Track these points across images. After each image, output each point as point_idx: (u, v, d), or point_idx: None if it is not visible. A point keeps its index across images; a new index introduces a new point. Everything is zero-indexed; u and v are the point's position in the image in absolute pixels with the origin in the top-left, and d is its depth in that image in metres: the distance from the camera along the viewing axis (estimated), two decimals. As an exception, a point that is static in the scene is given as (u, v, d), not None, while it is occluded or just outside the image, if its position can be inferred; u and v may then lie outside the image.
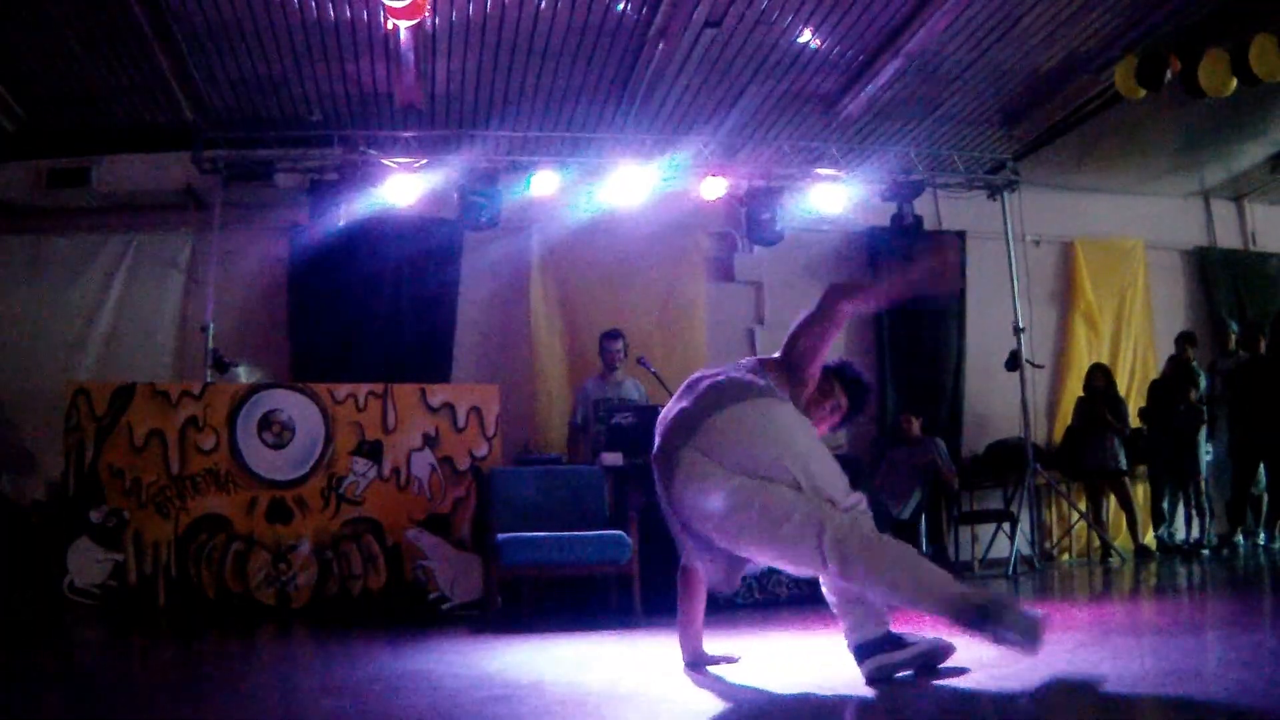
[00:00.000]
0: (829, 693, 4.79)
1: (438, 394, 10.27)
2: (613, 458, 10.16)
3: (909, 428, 13.19)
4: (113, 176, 13.16)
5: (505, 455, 10.76)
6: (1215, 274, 16.20)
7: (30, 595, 10.36)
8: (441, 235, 13.46)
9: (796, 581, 9.69)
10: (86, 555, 9.92)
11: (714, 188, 13.09)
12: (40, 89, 12.01)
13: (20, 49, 11.15)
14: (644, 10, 10.68)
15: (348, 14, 10.61)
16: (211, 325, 12.21)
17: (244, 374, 11.17)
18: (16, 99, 12.16)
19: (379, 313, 13.17)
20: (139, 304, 13.43)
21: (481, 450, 10.07)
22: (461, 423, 10.09)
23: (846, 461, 10.52)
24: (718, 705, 4.74)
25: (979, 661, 4.85)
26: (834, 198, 13.42)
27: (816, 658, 6.17)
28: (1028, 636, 4.40)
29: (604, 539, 8.93)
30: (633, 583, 8.97)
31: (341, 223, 12.85)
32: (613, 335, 11.97)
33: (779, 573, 9.54)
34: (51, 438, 11.02)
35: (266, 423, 10.08)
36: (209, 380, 11.29)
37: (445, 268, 13.50)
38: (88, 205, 13.37)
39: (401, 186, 12.65)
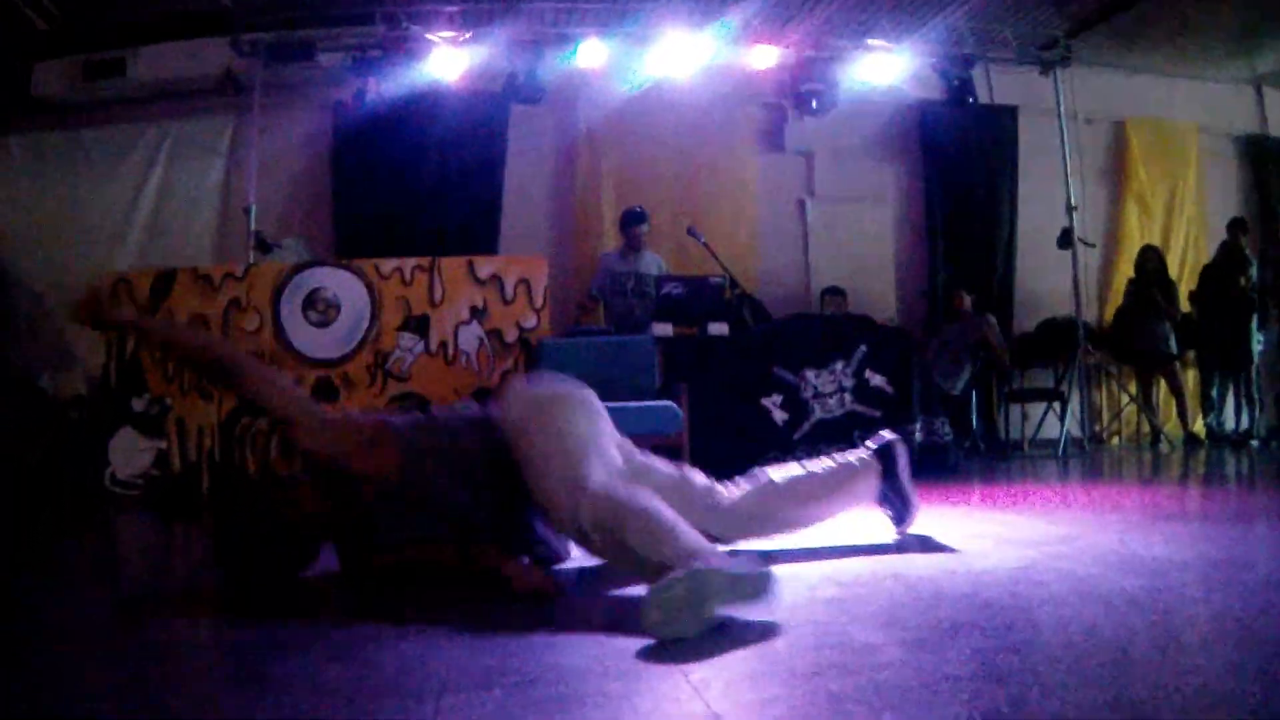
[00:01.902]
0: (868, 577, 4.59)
1: (485, 266, 10.08)
2: (662, 328, 10.06)
3: (960, 304, 13.00)
4: (150, 66, 13.09)
5: (554, 328, 10.57)
6: (1268, 163, 15.96)
7: (71, 490, 10.32)
8: (487, 109, 13.28)
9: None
10: (129, 445, 9.89)
11: (764, 57, 12.88)
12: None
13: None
14: None
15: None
16: (254, 207, 12.16)
17: (287, 253, 11.00)
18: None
19: (425, 188, 13.02)
20: (179, 191, 13.40)
21: (530, 322, 9.91)
22: (509, 295, 9.92)
23: (892, 336, 10.48)
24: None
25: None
26: (885, 69, 13.20)
27: (878, 530, 5.95)
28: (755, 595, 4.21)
29: (654, 410, 8.80)
30: (681, 455, 8.75)
31: (385, 99, 12.71)
32: (638, 218, 11.71)
33: (824, 446, 9.59)
34: (91, 332, 11.00)
35: (311, 301, 9.96)
36: (252, 262, 11.17)
37: (491, 142, 13.34)
38: (125, 96, 13.31)
39: (445, 61, 12.52)
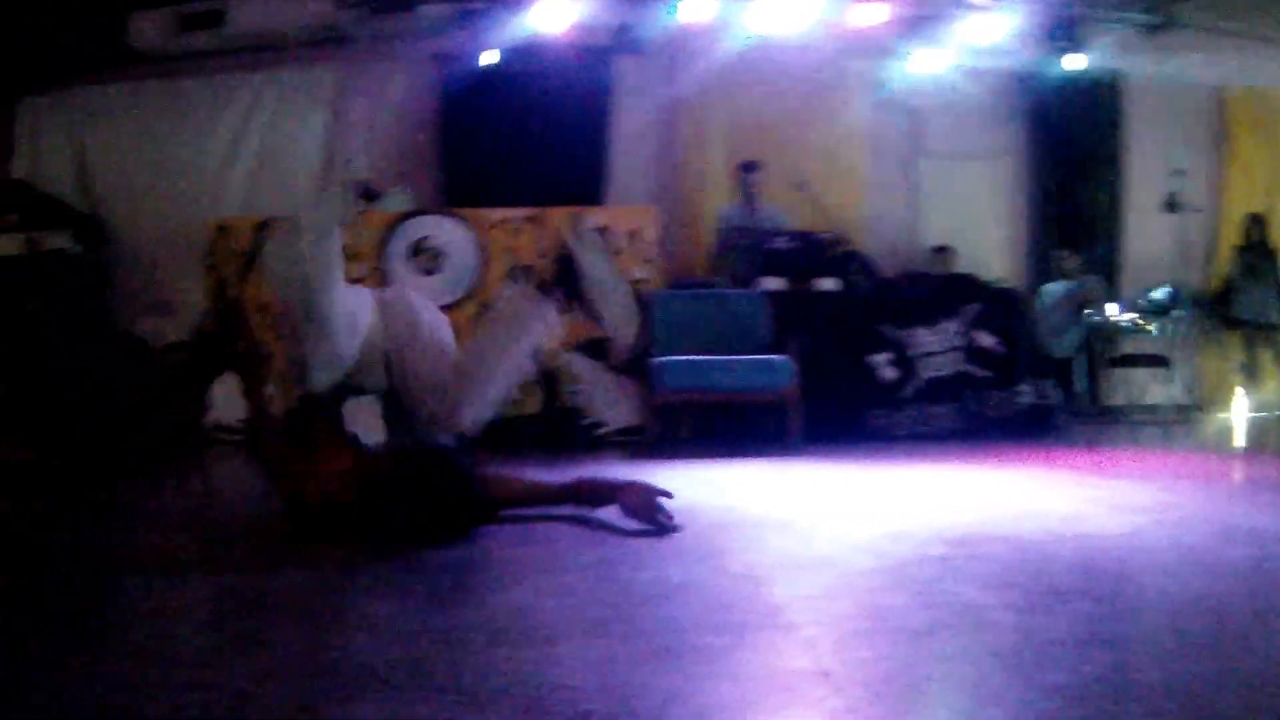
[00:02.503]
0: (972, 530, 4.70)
1: (594, 217, 10.06)
2: (771, 282, 9.95)
3: (1066, 265, 12.81)
4: (247, 17, 13.06)
5: (663, 280, 10.45)
6: (1372, 131, 15.70)
7: (171, 435, 10.31)
8: (592, 62, 13.18)
9: (955, 413, 9.60)
10: (230, 391, 9.88)
11: (871, 14, 12.69)
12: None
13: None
14: None
15: None
16: (358, 157, 12.11)
17: (392, 203, 10.93)
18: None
19: (531, 140, 12.94)
20: (282, 141, 13.41)
21: (640, 274, 9.85)
22: (619, 246, 9.87)
23: (1002, 296, 10.36)
24: (877, 533, 4.69)
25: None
26: (990, 29, 12.97)
27: (987, 492, 6.16)
28: None
29: (765, 364, 8.82)
30: (789, 411, 8.79)
31: (490, 49, 12.60)
32: (750, 167, 11.70)
33: (932, 405, 9.51)
34: (191, 279, 11.00)
35: (418, 249, 9.96)
36: (360, 210, 11.13)
37: (597, 94, 13.27)
38: (223, 47, 13.27)
39: (549, 12, 12.33)
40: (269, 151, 13.35)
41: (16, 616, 3.37)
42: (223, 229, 10.27)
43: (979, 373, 9.84)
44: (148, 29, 13.01)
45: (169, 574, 4.01)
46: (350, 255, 9.61)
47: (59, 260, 12.38)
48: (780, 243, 10.26)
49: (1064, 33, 13.11)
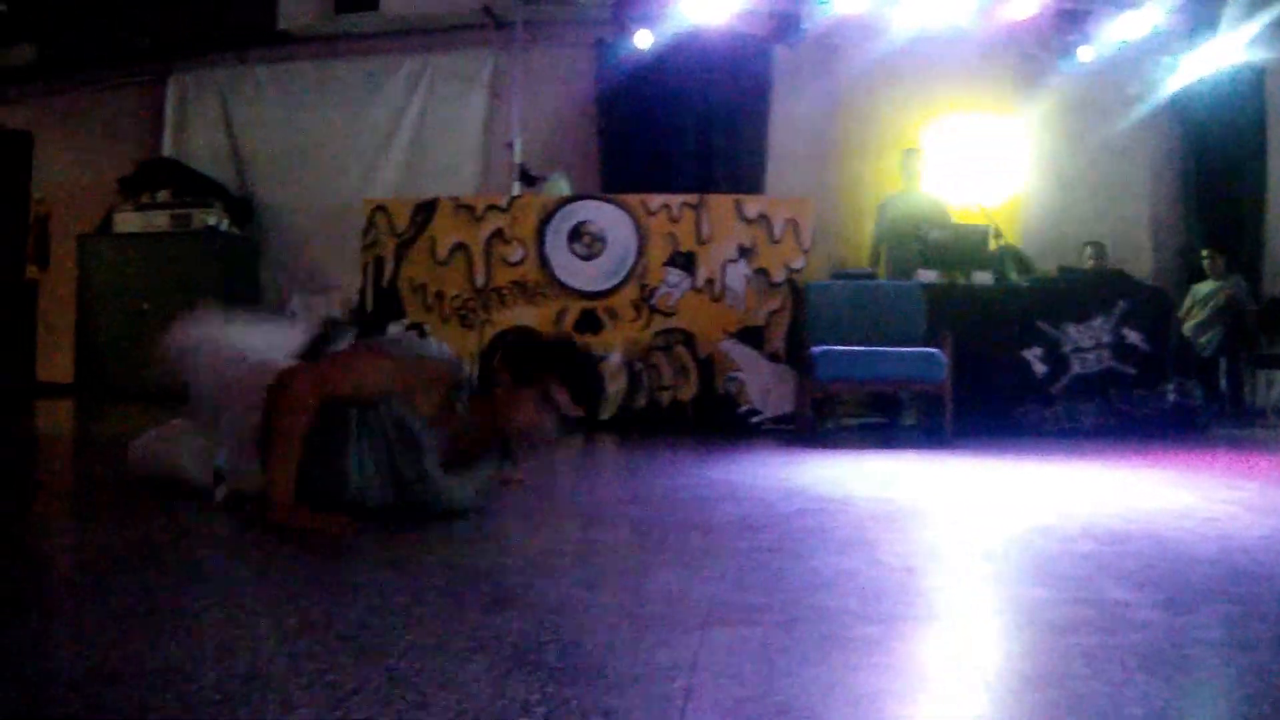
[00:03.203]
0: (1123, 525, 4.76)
1: (753, 205, 10.12)
2: (928, 274, 9.96)
3: (1213, 264, 12.69)
4: (403, 1, 13.21)
5: (820, 269, 10.49)
6: None
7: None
8: (750, 50, 13.23)
9: (1101, 410, 9.56)
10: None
11: (1021, 7, 12.64)
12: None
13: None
14: None
15: None
16: (517, 141, 12.23)
17: (552, 187, 11.04)
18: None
19: (690, 127, 13.05)
20: (439, 124, 13.59)
21: (797, 263, 9.92)
22: (778, 234, 9.94)
23: (1152, 294, 10.29)
24: (1027, 527, 4.73)
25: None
26: (1136, 24, 12.87)
27: (1131, 490, 6.12)
28: None
29: (919, 356, 8.81)
30: (943, 402, 8.81)
31: (651, 36, 12.68)
32: (910, 152, 11.71)
33: (1080, 401, 9.51)
34: (345, 259, 11.16)
35: (577, 234, 10.06)
36: (515, 194, 11.23)
37: (755, 83, 13.30)
38: (378, 29, 13.43)
39: (710, 1, 12.37)
40: (426, 133, 13.55)
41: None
42: (380, 209, 10.39)
43: (1126, 370, 9.78)
44: (299, 10, 13.23)
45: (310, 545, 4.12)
46: (508, 239, 9.78)
47: (208, 237, 12.62)
48: (937, 234, 10.27)
49: (1209, 28, 12.97)
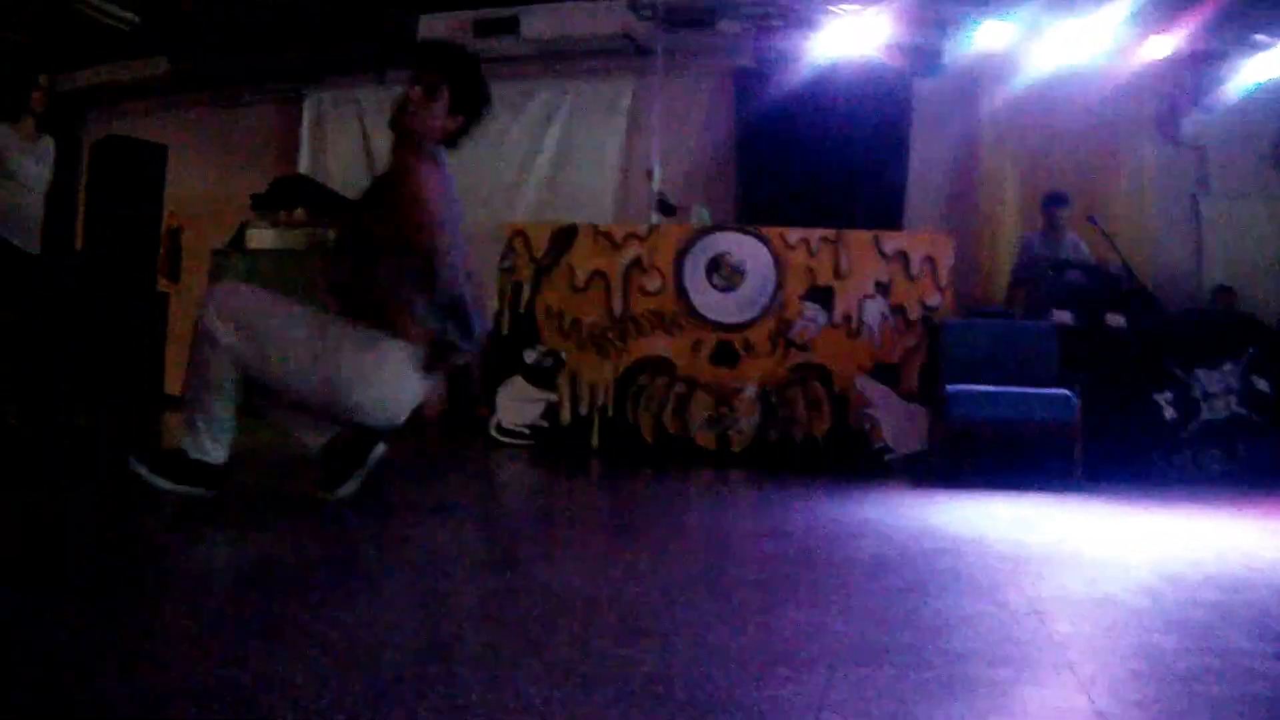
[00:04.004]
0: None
1: (892, 241, 10.16)
2: (1062, 315, 9.96)
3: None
4: (543, 24, 13.40)
5: (956, 307, 10.50)
6: None
7: (454, 436, 10.60)
8: (890, 84, 13.22)
9: (1228, 457, 9.48)
10: (518, 395, 10.13)
11: (1158, 48, 12.59)
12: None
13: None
14: None
15: None
16: (657, 169, 12.29)
17: (691, 217, 11.12)
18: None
19: (828, 160, 13.03)
20: (579, 150, 13.72)
21: (934, 300, 9.93)
22: (915, 271, 9.96)
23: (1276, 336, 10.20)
24: (1154, 574, 4.74)
25: None
26: (1272, 65, 12.75)
27: (1256, 539, 6.21)
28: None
29: (1051, 397, 8.84)
30: (1073, 445, 8.85)
31: (789, 68, 12.73)
32: (1056, 200, 11.53)
33: (1208, 447, 9.45)
34: (482, 280, 11.31)
35: (716, 265, 10.13)
36: (654, 223, 11.31)
37: (894, 117, 13.30)
38: (518, 53, 13.58)
39: (848, 32, 12.50)
40: (566, 159, 13.70)
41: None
42: (519, 234, 10.50)
43: (1253, 417, 9.71)
44: (439, 31, 13.39)
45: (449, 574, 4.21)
46: (646, 268, 9.86)
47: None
48: (1075, 275, 10.27)
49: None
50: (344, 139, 14.38)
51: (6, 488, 6.01)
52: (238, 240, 13.43)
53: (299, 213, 13.12)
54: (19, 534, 4.46)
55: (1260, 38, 12.56)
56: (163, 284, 15.00)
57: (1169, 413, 9.65)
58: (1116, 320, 9.96)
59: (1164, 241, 13.01)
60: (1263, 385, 9.69)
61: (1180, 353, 9.77)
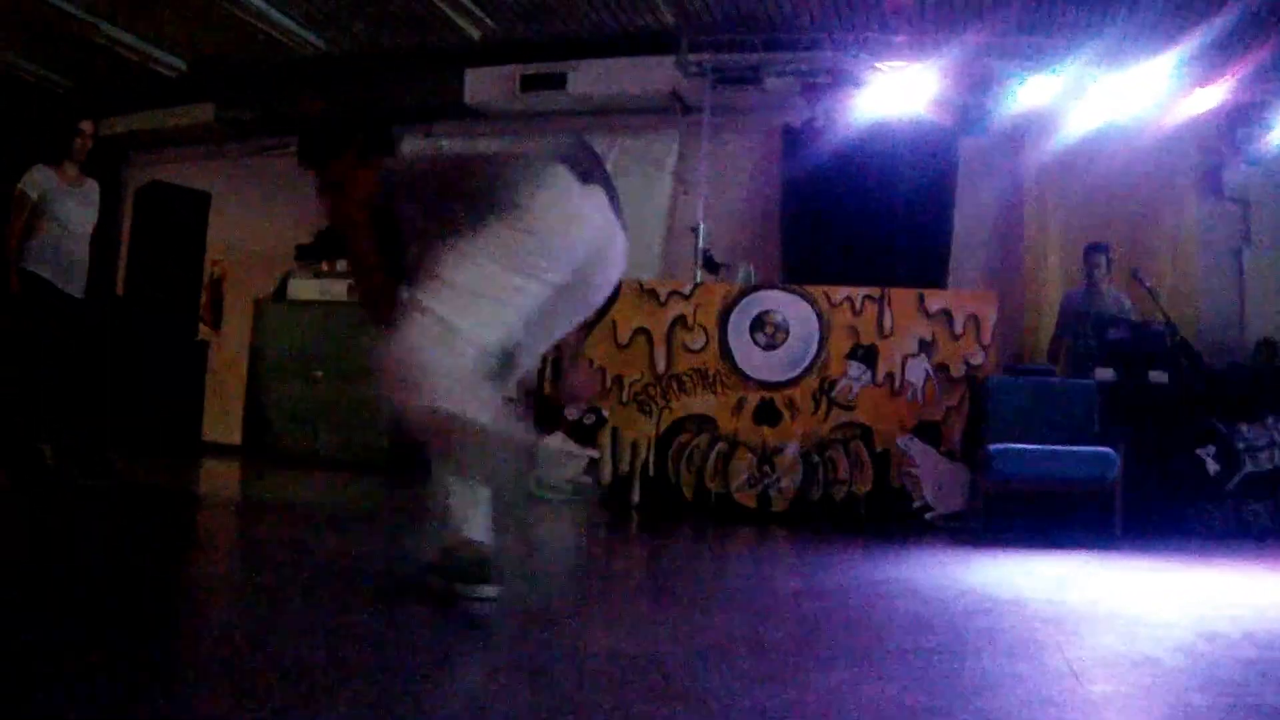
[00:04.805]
0: None
1: (935, 300, 10.19)
2: (1105, 373, 10.00)
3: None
4: (590, 80, 13.50)
5: (999, 365, 10.49)
6: None
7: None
8: (935, 141, 13.24)
9: (1273, 511, 9.49)
10: (559, 451, 10.15)
11: (1201, 101, 12.60)
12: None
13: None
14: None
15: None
16: (702, 226, 12.32)
17: (737, 274, 11.15)
18: (483, 8, 12.46)
19: (873, 217, 13.03)
20: (624, 205, 13.63)
21: (977, 359, 9.95)
22: (959, 330, 9.99)
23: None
24: (1192, 631, 4.76)
25: None
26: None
27: None
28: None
29: (1093, 455, 8.87)
30: (1114, 502, 8.87)
31: (834, 126, 12.75)
32: (1096, 248, 11.63)
33: (1251, 501, 9.43)
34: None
35: (760, 323, 10.17)
36: (699, 280, 11.34)
37: (940, 175, 13.30)
38: (565, 108, 13.68)
39: (893, 90, 12.58)
40: (611, 214, 13.67)
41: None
42: (562, 288, 10.50)
43: (1297, 471, 9.70)
44: (485, 86, 13.48)
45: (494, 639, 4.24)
46: (690, 326, 9.90)
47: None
48: (1118, 332, 10.27)
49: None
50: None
51: (43, 525, 6.07)
52: (280, 290, 13.53)
53: (342, 264, 13.19)
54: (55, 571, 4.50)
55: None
56: (204, 331, 15.11)
57: (1211, 467, 9.64)
58: (1159, 376, 9.96)
59: (1207, 296, 12.97)
60: (1305, 437, 9.67)
61: (1223, 407, 9.78)
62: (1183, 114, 12.69)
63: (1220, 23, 11.96)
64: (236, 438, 13.91)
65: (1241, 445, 9.65)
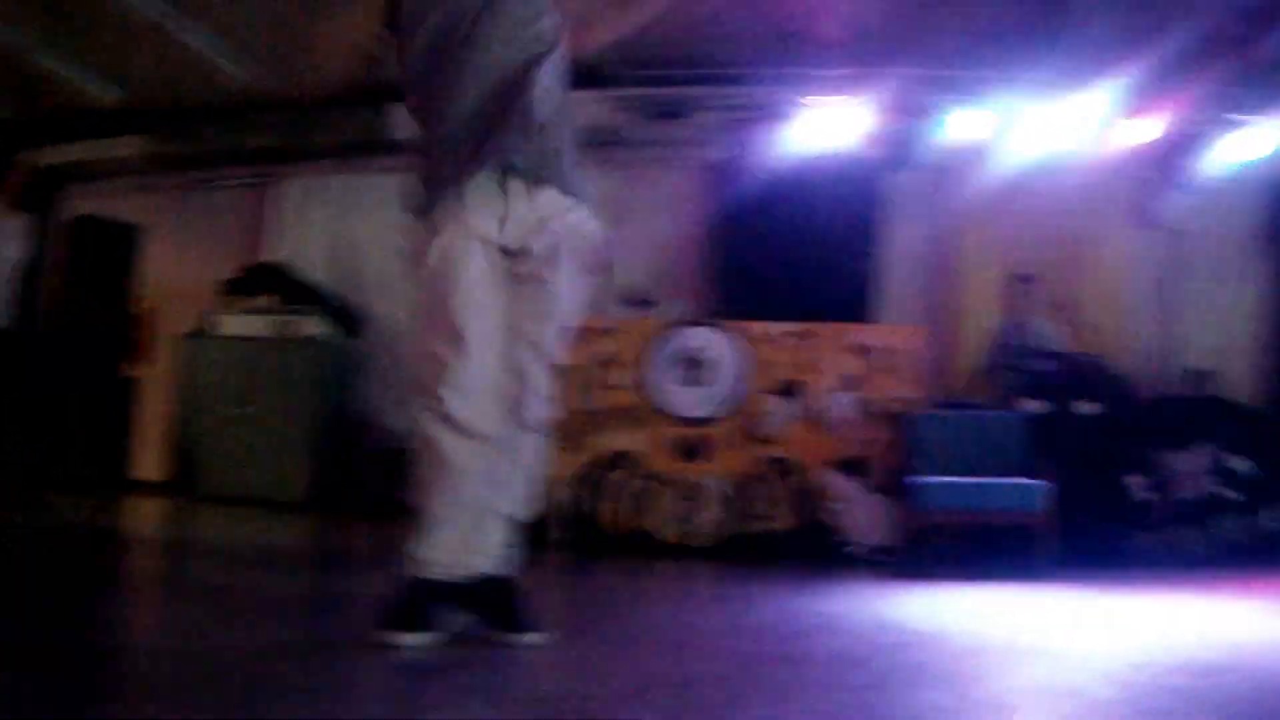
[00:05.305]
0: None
1: (861, 335, 10.19)
2: (1032, 404, 9.99)
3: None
4: (515, 115, 13.33)
5: (924, 399, 10.46)
6: None
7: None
8: (865, 176, 13.20)
9: (1204, 537, 9.47)
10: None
11: (1134, 132, 12.64)
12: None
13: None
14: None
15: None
16: (626, 262, 12.25)
17: (663, 311, 11.09)
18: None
19: (800, 253, 12.93)
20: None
21: (903, 393, 9.91)
22: (885, 365, 9.95)
23: (1253, 420, 10.28)
24: (1120, 661, 4.73)
25: None
26: (1249, 146, 12.81)
27: (1227, 621, 6.33)
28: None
29: (1018, 487, 8.88)
30: (1041, 534, 8.81)
31: (763, 161, 12.69)
32: (1025, 279, 11.64)
33: (1182, 527, 9.44)
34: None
35: (683, 360, 10.06)
36: (624, 316, 11.27)
37: (869, 208, 13.28)
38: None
39: (822, 126, 12.51)
40: (535, 249, 13.58)
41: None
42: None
43: (1230, 495, 9.72)
44: (413, 122, 13.37)
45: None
46: (615, 362, 9.80)
47: (310, 346, 12.90)
48: (1046, 364, 10.28)
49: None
50: (315, 228, 14.35)
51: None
52: (206, 326, 13.39)
53: (268, 300, 13.09)
54: None
55: (1238, 117, 12.61)
56: (133, 367, 14.94)
57: (1142, 495, 9.68)
58: (1088, 407, 9.95)
59: (1138, 326, 13.02)
60: (1240, 464, 9.70)
61: (1152, 436, 9.85)
62: (1116, 145, 12.72)
63: (1153, 55, 12.01)
64: (164, 475, 13.69)
65: (1171, 474, 9.66)
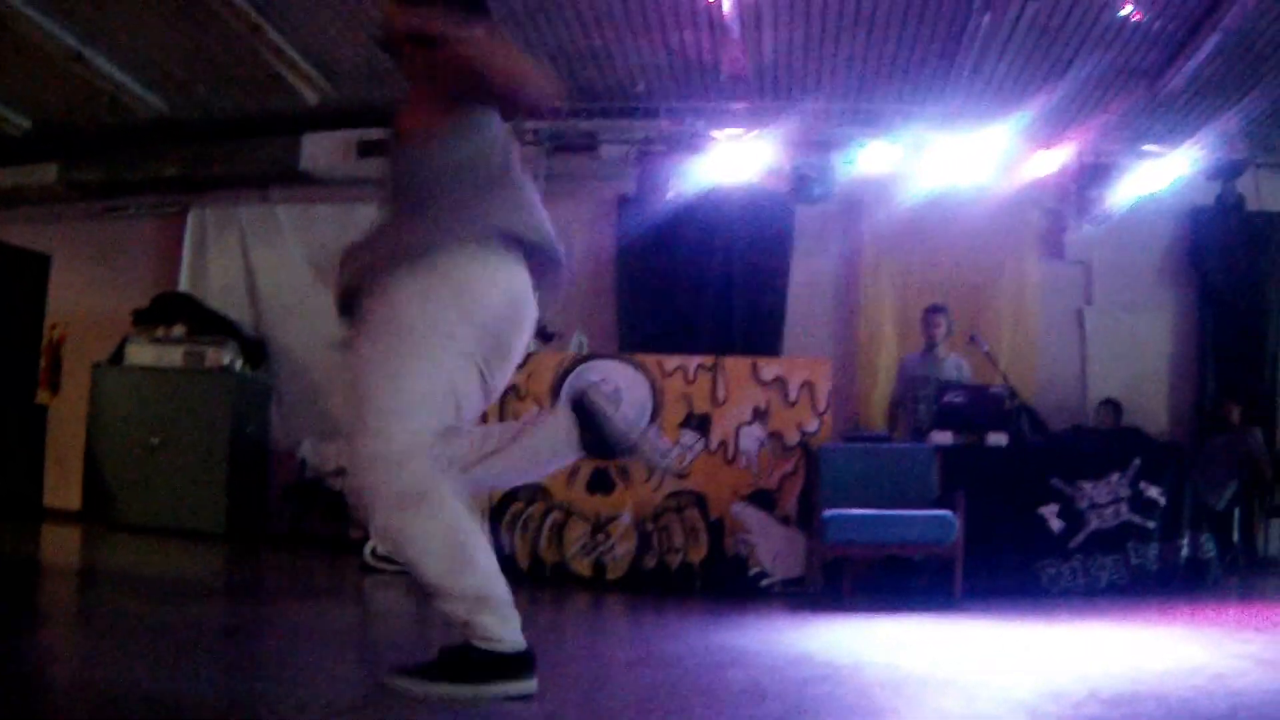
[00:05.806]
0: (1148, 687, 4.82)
1: (770, 368, 10.11)
2: (942, 436, 10.00)
3: (1229, 415, 12.63)
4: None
5: (834, 431, 10.47)
6: None
7: (332, 562, 10.50)
8: (772, 209, 13.29)
9: (1119, 565, 9.53)
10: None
11: (1043, 164, 12.77)
12: (345, 64, 12.28)
13: (327, 27, 11.30)
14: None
15: (671, -16, 10.54)
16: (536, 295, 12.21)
17: (570, 345, 11.08)
18: (322, 72, 12.38)
19: (708, 286, 13.09)
20: (455, 274, 13.55)
21: (812, 426, 9.86)
22: (793, 397, 9.90)
23: (1167, 449, 10.36)
24: (1035, 691, 4.75)
25: None
26: (1158, 175, 12.96)
27: (1142, 648, 6.30)
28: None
29: (930, 519, 8.84)
30: (954, 565, 8.82)
31: (670, 195, 12.76)
32: (934, 309, 11.64)
33: (1098, 556, 9.46)
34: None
35: (593, 393, 10.00)
36: (532, 350, 11.23)
37: (776, 242, 13.35)
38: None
39: (730, 159, 12.60)
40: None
41: None
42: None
43: (1144, 523, 9.74)
44: (321, 152, 13.31)
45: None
46: (523, 395, 9.78)
47: (220, 375, 12.86)
48: (955, 396, 10.30)
49: (1228, 177, 13.01)
50: (225, 257, 14.27)
51: None
52: (118, 355, 13.31)
53: (178, 329, 13.02)
54: None
55: (1148, 148, 12.74)
56: (42, 396, 14.81)
57: (1056, 524, 9.66)
58: (998, 439, 9.99)
59: (1049, 357, 13.14)
60: (1153, 492, 9.74)
61: (1064, 466, 9.82)
62: (1024, 177, 12.83)
63: (1062, 87, 12.10)
64: (77, 503, 13.56)
65: (1085, 504, 9.69)
